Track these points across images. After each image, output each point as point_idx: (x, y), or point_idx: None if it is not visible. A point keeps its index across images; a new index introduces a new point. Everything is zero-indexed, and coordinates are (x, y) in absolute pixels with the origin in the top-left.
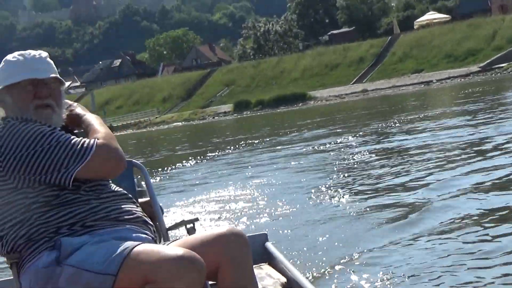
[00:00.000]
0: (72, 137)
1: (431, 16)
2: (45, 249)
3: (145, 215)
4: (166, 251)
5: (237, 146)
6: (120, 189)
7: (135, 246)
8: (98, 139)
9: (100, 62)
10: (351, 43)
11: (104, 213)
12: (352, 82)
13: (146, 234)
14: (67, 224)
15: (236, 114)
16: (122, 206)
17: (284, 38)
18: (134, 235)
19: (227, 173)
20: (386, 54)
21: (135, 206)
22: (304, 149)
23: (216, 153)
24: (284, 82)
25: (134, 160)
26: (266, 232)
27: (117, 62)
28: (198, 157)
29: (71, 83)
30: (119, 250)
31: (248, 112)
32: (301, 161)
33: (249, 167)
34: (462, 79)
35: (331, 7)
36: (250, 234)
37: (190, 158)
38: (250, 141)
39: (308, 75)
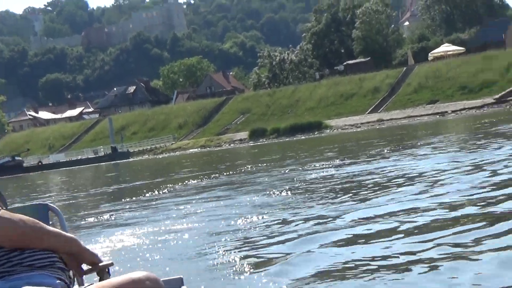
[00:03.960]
0: None
1: (446, 48)
2: None
3: (60, 260)
4: None
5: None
6: None
7: None
8: (1, 210)
9: (115, 89)
10: (366, 73)
11: (18, 259)
12: (368, 111)
13: (60, 279)
14: None
15: (252, 142)
16: (37, 252)
17: (299, 68)
18: (47, 281)
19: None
20: (401, 84)
21: (50, 252)
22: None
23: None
24: (300, 110)
25: (50, 204)
26: (181, 277)
27: (132, 89)
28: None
29: (83, 109)
30: None
31: (264, 140)
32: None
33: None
34: (477, 110)
35: (346, 37)
36: (165, 279)
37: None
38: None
39: (323, 104)
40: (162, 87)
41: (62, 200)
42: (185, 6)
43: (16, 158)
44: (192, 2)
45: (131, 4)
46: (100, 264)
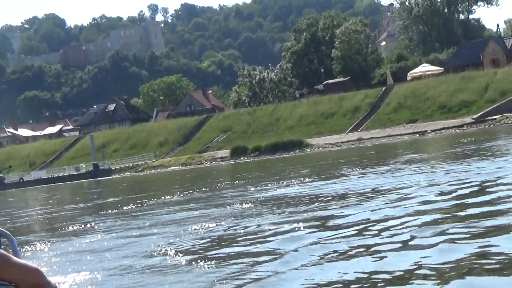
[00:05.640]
0: None
1: (425, 68)
2: None
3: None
4: None
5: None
6: None
7: None
8: None
9: (95, 106)
10: (346, 92)
11: None
12: (348, 130)
13: None
14: None
15: (233, 160)
16: None
17: (278, 86)
18: None
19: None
20: (381, 104)
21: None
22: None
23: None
24: (280, 129)
25: (1, 229)
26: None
27: (112, 107)
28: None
29: (62, 126)
30: None
31: (245, 158)
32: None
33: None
34: (457, 130)
35: (325, 57)
36: None
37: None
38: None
39: (304, 123)
40: (142, 105)
41: (44, 213)
42: (162, 25)
43: None
44: (169, 20)
45: (108, 22)
46: None
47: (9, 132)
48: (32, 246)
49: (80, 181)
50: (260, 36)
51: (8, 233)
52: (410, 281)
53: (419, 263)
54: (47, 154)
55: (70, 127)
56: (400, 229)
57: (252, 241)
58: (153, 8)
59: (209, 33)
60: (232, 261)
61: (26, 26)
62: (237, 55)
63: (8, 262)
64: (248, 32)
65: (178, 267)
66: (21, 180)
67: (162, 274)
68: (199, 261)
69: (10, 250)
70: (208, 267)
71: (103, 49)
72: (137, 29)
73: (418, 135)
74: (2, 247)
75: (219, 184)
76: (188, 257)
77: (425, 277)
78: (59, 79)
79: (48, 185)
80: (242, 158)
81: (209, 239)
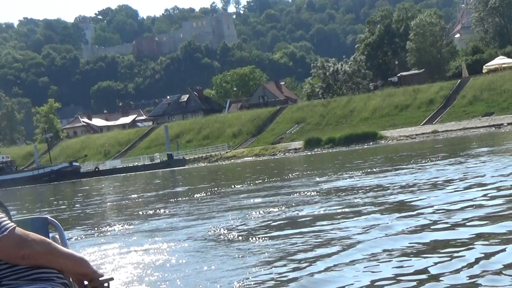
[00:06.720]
0: None
1: (501, 60)
2: None
3: (60, 274)
4: None
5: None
6: None
7: None
8: (16, 228)
9: (168, 97)
10: (420, 84)
11: (19, 272)
12: (422, 123)
13: None
14: None
15: (307, 151)
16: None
17: (352, 78)
18: None
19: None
20: (456, 96)
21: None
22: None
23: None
24: (354, 121)
25: (49, 218)
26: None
27: (185, 97)
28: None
29: (136, 116)
30: None
31: (319, 149)
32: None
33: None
34: None
35: (399, 49)
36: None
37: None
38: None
39: (378, 115)
40: (215, 96)
41: (119, 200)
42: (234, 16)
43: (74, 164)
44: (242, 12)
45: (180, 14)
46: (101, 279)
47: (83, 122)
48: (107, 227)
49: (154, 171)
50: (332, 28)
51: (57, 222)
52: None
53: None
54: (121, 144)
55: (143, 117)
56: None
57: (314, 225)
58: (225, 0)
59: (281, 25)
60: (289, 243)
61: (100, 17)
62: (309, 46)
63: (55, 252)
64: (320, 24)
65: (238, 246)
66: (96, 169)
67: (222, 251)
68: (258, 241)
69: (58, 239)
70: (267, 247)
71: (175, 40)
72: (209, 21)
73: (493, 128)
74: (51, 235)
75: (290, 175)
76: (248, 237)
77: None
78: (132, 69)
79: (122, 174)
80: (315, 150)
81: (274, 223)
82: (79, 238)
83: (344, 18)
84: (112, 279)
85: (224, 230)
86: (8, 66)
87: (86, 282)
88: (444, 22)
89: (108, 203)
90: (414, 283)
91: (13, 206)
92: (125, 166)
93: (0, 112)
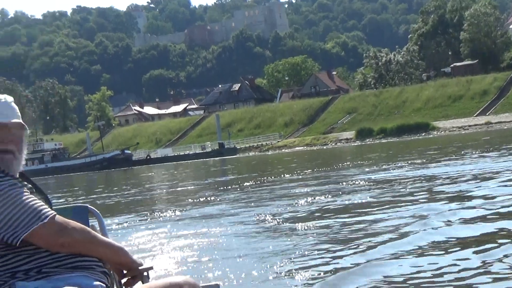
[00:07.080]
0: (30, 199)
1: None
2: None
3: (100, 263)
4: None
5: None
6: None
7: None
8: (56, 215)
9: (220, 86)
10: (474, 75)
11: (60, 260)
12: (475, 114)
13: (100, 281)
14: (23, 270)
15: (358, 141)
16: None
17: (405, 69)
18: (87, 282)
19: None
20: (510, 87)
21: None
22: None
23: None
24: (407, 111)
25: (90, 206)
26: (218, 283)
27: (236, 87)
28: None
29: (187, 105)
30: None
31: (371, 140)
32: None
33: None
34: None
35: (453, 39)
36: (204, 285)
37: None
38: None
39: (431, 105)
40: (266, 85)
41: (170, 188)
42: (286, 6)
43: (126, 151)
44: (294, 1)
45: (232, 3)
46: (140, 268)
47: (135, 110)
48: (159, 212)
49: (205, 159)
50: (384, 18)
51: (97, 211)
52: None
53: None
54: (172, 132)
55: (195, 106)
56: None
57: (357, 214)
58: None
59: (334, 14)
60: (333, 232)
61: (152, 5)
62: (361, 36)
63: (94, 240)
64: (372, 14)
65: (285, 231)
66: (148, 157)
67: (270, 236)
68: (305, 227)
69: (98, 228)
70: (314, 234)
71: (227, 29)
72: (262, 10)
73: None
74: (91, 224)
75: (340, 164)
76: (294, 224)
77: None
78: (184, 58)
79: (174, 162)
80: (367, 140)
81: (322, 211)
82: (132, 223)
83: (396, 8)
84: (151, 268)
85: (272, 216)
86: (61, 54)
87: (125, 272)
88: (498, 13)
89: (159, 190)
90: (472, 273)
91: (65, 193)
92: (176, 154)
93: (53, 99)
